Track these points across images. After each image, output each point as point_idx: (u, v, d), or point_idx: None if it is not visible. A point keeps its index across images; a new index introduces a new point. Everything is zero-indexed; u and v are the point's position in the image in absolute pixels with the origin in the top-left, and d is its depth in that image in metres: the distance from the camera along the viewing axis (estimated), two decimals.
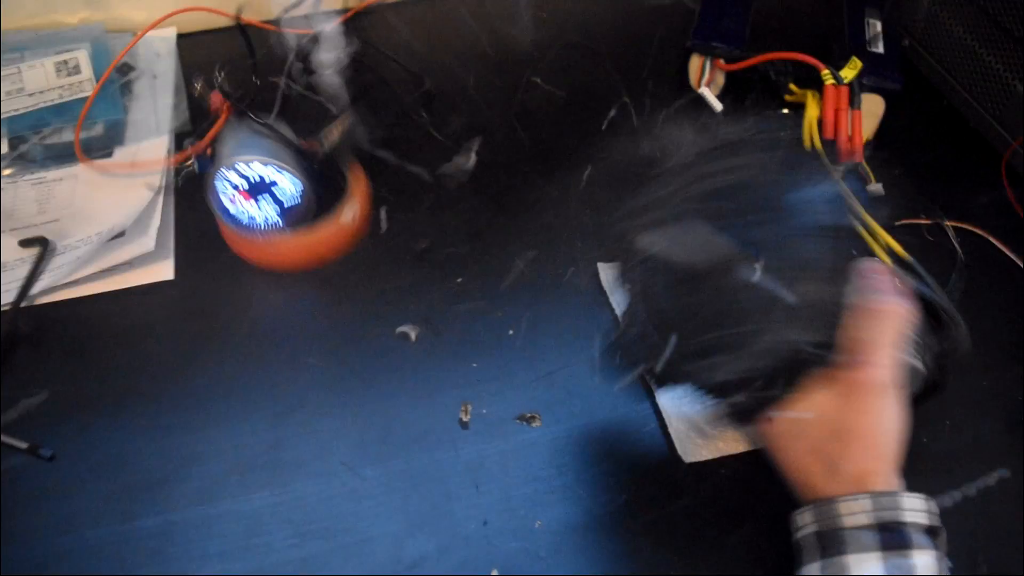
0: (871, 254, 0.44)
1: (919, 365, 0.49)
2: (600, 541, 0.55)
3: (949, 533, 0.44)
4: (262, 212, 0.67)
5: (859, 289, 0.45)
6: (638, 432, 0.60)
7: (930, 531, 0.42)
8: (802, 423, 0.45)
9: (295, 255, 0.69)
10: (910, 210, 0.73)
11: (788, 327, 0.42)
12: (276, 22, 0.80)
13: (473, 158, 0.76)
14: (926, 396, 0.50)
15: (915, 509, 0.42)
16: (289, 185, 0.66)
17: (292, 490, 0.57)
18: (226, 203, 0.66)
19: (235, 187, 0.65)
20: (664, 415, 0.59)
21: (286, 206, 0.67)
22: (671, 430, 0.58)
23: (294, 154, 0.67)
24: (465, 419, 0.61)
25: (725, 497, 0.56)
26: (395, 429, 0.60)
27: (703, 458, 0.57)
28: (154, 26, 0.87)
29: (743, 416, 0.46)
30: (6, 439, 0.58)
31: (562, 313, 0.67)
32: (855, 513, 0.42)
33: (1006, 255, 0.69)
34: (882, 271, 0.47)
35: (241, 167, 0.64)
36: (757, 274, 0.45)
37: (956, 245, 0.70)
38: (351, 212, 0.69)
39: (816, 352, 0.42)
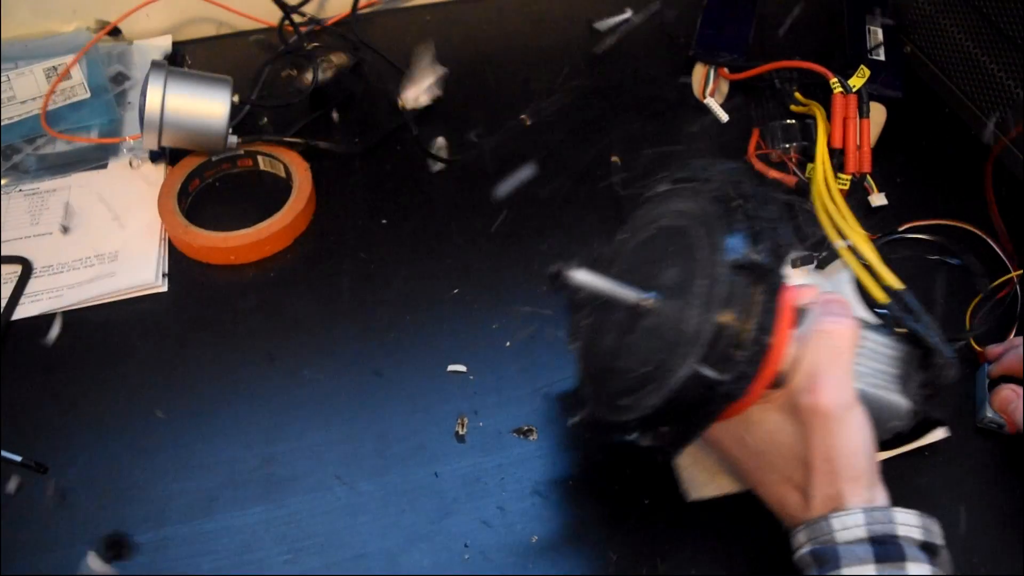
0: (772, 286, 0.41)
1: (899, 399, 0.49)
2: (597, 556, 0.54)
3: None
4: None
5: (814, 315, 0.45)
6: (635, 446, 0.59)
7: (927, 547, 0.42)
8: (770, 456, 0.46)
9: (243, 251, 0.71)
10: (912, 219, 0.72)
11: (683, 359, 0.42)
12: None
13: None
14: (923, 430, 0.50)
15: (909, 524, 0.42)
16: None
17: (286, 505, 0.56)
18: None
19: None
20: None
21: None
22: (677, 466, 0.56)
23: None
24: (461, 432, 0.60)
25: (727, 513, 0.55)
26: (391, 443, 0.60)
27: (707, 496, 0.55)
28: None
29: (664, 453, 0.46)
30: (1, 453, 0.58)
31: (559, 326, 0.66)
32: (848, 528, 0.42)
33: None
34: (834, 299, 0.47)
35: None
36: (650, 313, 0.46)
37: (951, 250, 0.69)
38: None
39: (715, 378, 0.41)
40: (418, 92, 0.79)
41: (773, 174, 0.74)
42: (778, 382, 0.44)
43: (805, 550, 0.43)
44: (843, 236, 0.64)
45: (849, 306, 0.47)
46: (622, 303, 0.47)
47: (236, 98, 0.76)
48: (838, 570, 0.41)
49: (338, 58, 0.87)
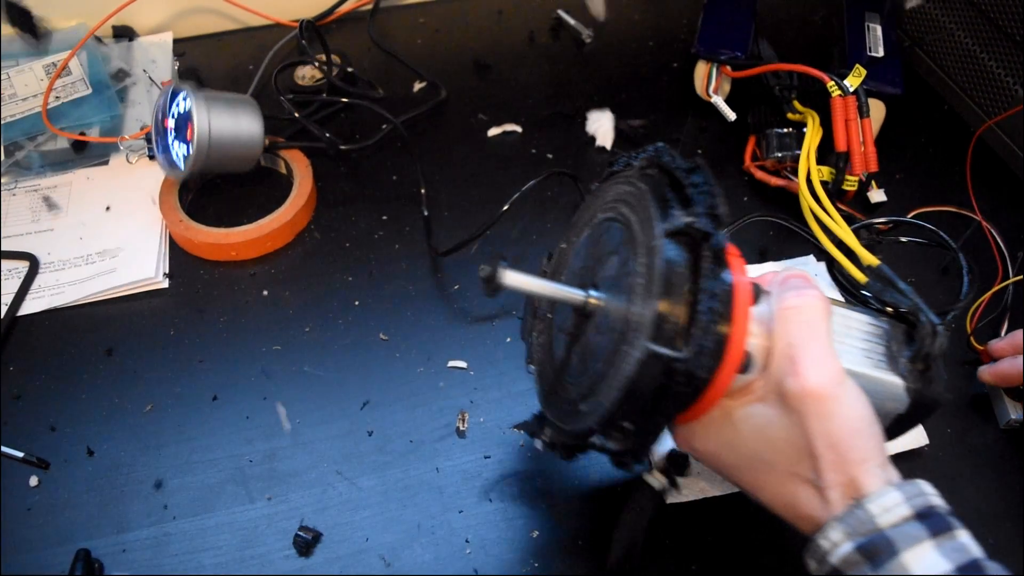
0: (716, 248, 0.38)
1: (890, 376, 0.45)
2: (596, 552, 0.54)
3: None
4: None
5: (775, 297, 0.42)
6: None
7: (951, 514, 0.39)
8: (766, 455, 0.41)
9: (244, 248, 0.71)
10: (906, 220, 0.73)
11: (632, 344, 0.38)
12: None
13: None
14: (924, 412, 0.46)
15: (934, 492, 0.39)
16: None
17: (288, 500, 0.57)
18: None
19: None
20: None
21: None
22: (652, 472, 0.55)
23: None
24: (462, 428, 0.60)
25: (721, 511, 0.56)
26: (392, 438, 0.60)
27: (685, 499, 0.55)
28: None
29: (632, 455, 0.43)
30: (2, 449, 0.58)
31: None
32: (890, 509, 0.37)
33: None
34: (793, 273, 0.44)
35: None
36: (591, 307, 0.44)
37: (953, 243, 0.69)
38: None
39: (670, 354, 0.37)
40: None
41: (775, 182, 0.74)
42: (746, 365, 0.40)
43: (846, 547, 0.38)
44: (827, 230, 0.65)
45: (810, 278, 0.43)
46: (566, 307, 0.45)
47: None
48: (896, 556, 0.36)
49: (337, 57, 0.87)
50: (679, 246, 0.39)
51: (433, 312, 0.67)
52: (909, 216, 0.72)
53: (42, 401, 0.62)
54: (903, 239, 0.71)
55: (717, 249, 0.38)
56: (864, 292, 0.59)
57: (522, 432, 0.55)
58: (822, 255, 0.70)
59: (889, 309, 0.49)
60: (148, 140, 0.78)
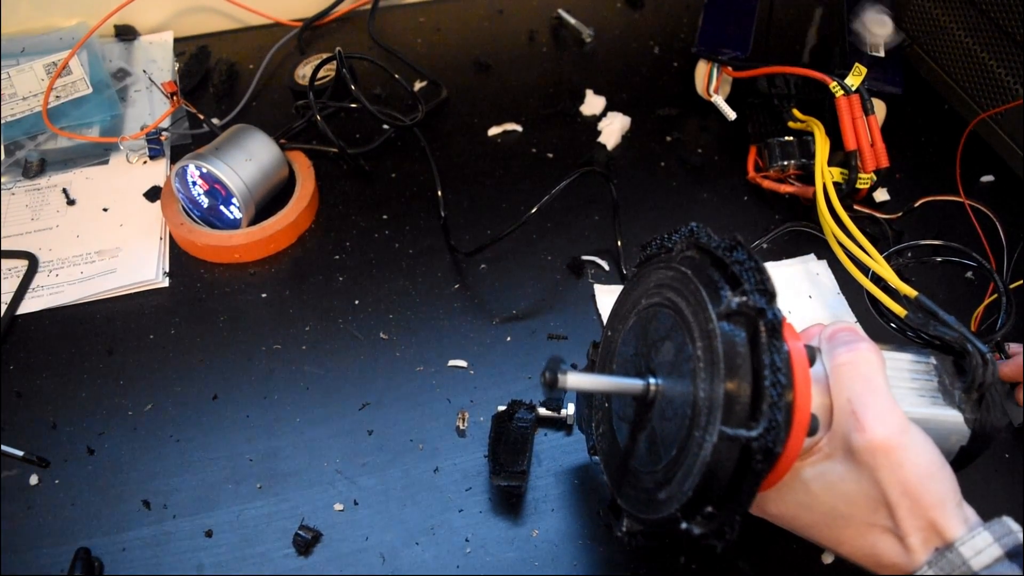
0: (771, 325, 0.38)
1: (949, 411, 0.46)
2: (596, 552, 0.54)
3: None
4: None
5: (826, 353, 0.43)
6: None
7: None
8: (841, 509, 0.42)
9: (247, 250, 0.71)
10: (912, 214, 0.73)
11: (705, 429, 0.39)
12: None
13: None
14: (985, 440, 0.46)
15: (1020, 529, 0.39)
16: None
17: (288, 499, 0.57)
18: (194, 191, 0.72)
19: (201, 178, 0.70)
20: None
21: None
22: None
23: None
24: (463, 427, 0.60)
25: None
26: (392, 437, 0.60)
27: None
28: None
29: (719, 536, 0.41)
30: (3, 448, 0.58)
31: (560, 321, 0.67)
32: (982, 551, 0.38)
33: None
34: (839, 328, 0.45)
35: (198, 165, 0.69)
36: (653, 395, 0.44)
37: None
38: None
39: (746, 435, 0.37)
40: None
41: (785, 189, 0.74)
42: (813, 428, 0.40)
43: None
44: (849, 254, 0.63)
45: (857, 329, 0.45)
46: (626, 396, 0.45)
47: None
48: None
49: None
50: (734, 325, 0.39)
51: (433, 312, 0.67)
52: (916, 204, 0.73)
53: (42, 400, 0.62)
54: (926, 259, 0.71)
55: (775, 324, 0.38)
56: (905, 325, 0.56)
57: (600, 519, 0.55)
58: (823, 254, 0.70)
59: (936, 341, 0.50)
60: (149, 141, 0.78)
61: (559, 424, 0.60)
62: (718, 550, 0.40)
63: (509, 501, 0.56)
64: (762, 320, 0.38)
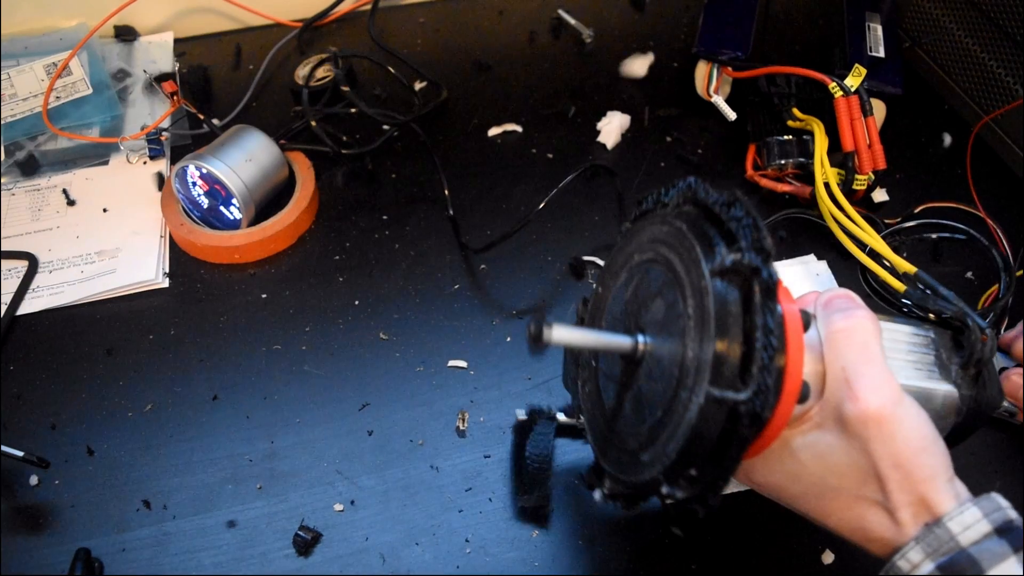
0: (767, 285, 0.37)
1: (944, 386, 0.45)
2: (596, 552, 0.54)
3: None
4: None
5: (821, 319, 0.42)
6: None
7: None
8: (830, 480, 0.41)
9: (247, 250, 0.71)
10: (912, 213, 0.73)
11: (692, 390, 0.37)
12: None
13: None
14: (980, 417, 0.45)
15: (1009, 505, 0.38)
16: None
17: (288, 500, 0.57)
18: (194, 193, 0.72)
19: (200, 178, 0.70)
20: None
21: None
22: None
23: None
24: (462, 428, 0.60)
25: (721, 510, 0.55)
26: (392, 438, 0.60)
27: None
28: None
29: (702, 502, 0.40)
30: (3, 448, 0.58)
31: (560, 320, 0.66)
32: (970, 526, 0.37)
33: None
34: (837, 294, 0.43)
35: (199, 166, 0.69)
36: (641, 353, 0.42)
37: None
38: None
39: (733, 398, 0.36)
40: None
41: (783, 188, 0.74)
42: (804, 395, 0.39)
43: (927, 568, 0.37)
44: (854, 239, 0.65)
45: (854, 297, 0.43)
46: (614, 354, 0.44)
47: None
48: (984, 574, 0.36)
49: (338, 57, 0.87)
50: (728, 284, 0.38)
51: (433, 312, 0.67)
52: (917, 210, 0.73)
53: (42, 400, 0.62)
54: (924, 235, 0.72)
55: (769, 284, 0.37)
56: (904, 300, 0.56)
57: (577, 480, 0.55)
58: (824, 254, 0.70)
59: (932, 316, 0.49)
60: (149, 141, 0.78)
61: (577, 432, 0.59)
62: (700, 515, 0.40)
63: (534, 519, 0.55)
64: (756, 279, 0.37)
